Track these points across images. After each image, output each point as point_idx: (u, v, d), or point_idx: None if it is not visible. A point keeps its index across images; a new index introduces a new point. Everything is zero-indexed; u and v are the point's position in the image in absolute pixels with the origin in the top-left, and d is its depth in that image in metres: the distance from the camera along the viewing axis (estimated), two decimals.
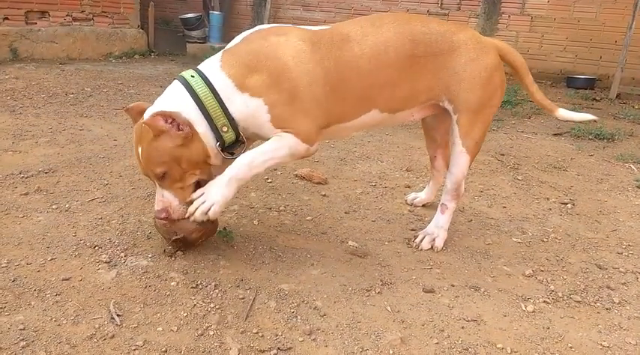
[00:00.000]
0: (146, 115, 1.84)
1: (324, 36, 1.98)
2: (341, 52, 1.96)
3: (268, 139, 1.95)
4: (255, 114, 1.89)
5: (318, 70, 1.91)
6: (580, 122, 2.31)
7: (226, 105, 1.86)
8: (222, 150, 1.91)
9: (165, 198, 1.88)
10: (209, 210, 1.83)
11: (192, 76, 1.89)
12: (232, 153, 1.95)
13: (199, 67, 1.95)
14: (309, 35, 1.96)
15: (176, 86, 1.91)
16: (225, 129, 1.88)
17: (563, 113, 2.33)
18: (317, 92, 1.91)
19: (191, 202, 1.87)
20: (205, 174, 1.94)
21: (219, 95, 1.85)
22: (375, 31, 2.02)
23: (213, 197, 1.85)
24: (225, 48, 2.01)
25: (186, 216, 1.87)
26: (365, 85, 2.00)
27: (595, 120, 2.23)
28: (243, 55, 1.90)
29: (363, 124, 2.13)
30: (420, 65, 2.04)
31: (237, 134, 1.92)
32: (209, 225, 1.94)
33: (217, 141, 1.88)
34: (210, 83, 1.86)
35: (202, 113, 1.84)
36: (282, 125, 1.90)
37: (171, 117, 1.79)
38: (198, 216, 1.84)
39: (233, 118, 1.88)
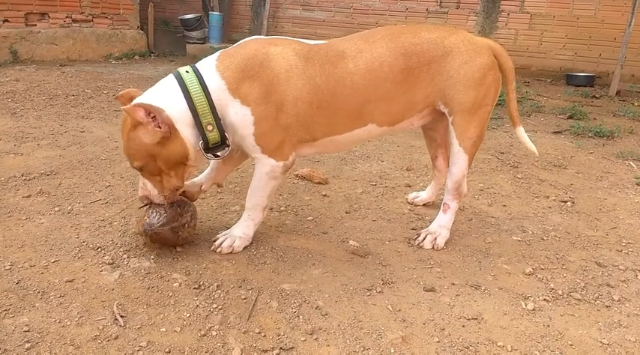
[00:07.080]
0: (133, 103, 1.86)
1: (320, 52, 2.01)
2: (334, 69, 1.99)
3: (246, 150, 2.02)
4: (242, 124, 1.91)
5: (308, 87, 1.95)
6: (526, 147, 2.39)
7: (216, 106, 1.88)
8: (206, 152, 1.92)
9: (146, 187, 1.94)
10: (233, 243, 2.07)
11: (187, 72, 1.91)
12: (217, 156, 1.96)
13: (196, 64, 1.98)
14: (305, 51, 1.99)
15: (169, 80, 1.93)
16: (210, 128, 1.88)
17: (520, 132, 2.37)
18: (301, 108, 1.96)
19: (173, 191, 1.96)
20: (180, 177, 1.93)
21: (209, 93, 1.87)
22: (369, 47, 2.05)
23: (235, 233, 2.10)
24: (224, 49, 2.03)
25: (211, 248, 2.07)
26: (359, 101, 2.03)
27: (535, 154, 2.39)
28: (238, 58, 1.92)
29: (360, 138, 2.18)
30: (414, 76, 2.06)
31: (223, 135, 1.92)
32: (166, 233, 1.94)
33: (201, 140, 1.90)
34: (203, 81, 1.88)
35: (190, 110, 1.86)
36: (261, 142, 1.95)
37: (152, 112, 1.79)
38: (224, 249, 2.06)
39: (220, 119, 1.90)
